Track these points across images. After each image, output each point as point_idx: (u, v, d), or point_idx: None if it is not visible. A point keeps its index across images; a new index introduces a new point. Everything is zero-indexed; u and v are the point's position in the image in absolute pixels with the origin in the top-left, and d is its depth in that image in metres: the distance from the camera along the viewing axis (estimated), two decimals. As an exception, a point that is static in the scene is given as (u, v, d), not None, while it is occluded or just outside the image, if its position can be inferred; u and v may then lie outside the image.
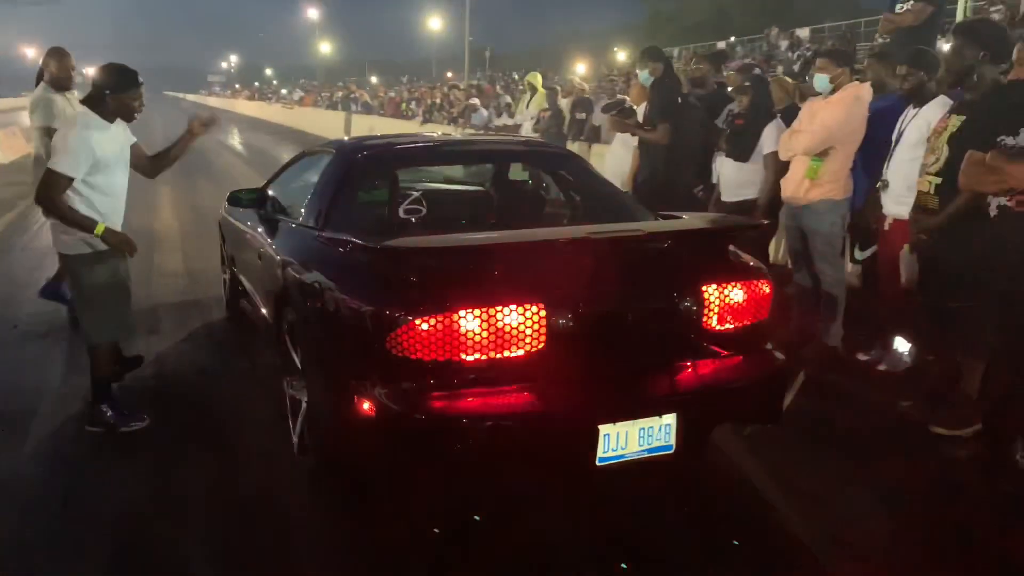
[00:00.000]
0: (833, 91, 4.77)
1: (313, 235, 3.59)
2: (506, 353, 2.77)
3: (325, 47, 64.60)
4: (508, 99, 15.36)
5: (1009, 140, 3.31)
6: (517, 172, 5.04)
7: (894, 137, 4.45)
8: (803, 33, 25.09)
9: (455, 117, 15.31)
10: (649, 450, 2.87)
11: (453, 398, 2.76)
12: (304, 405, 3.42)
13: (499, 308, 2.74)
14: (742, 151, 5.30)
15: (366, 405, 2.79)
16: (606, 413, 2.82)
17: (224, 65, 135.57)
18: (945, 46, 5.08)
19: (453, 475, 3.22)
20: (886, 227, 4.46)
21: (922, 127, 4.18)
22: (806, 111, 4.92)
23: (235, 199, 4.70)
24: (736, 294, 3.10)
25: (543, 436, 2.79)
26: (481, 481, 3.27)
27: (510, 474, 3.18)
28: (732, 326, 3.10)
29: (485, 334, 2.74)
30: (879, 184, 4.48)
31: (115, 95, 3.74)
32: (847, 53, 5.25)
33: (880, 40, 9.29)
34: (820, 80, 4.84)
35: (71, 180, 3.63)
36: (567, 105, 10.57)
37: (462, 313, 2.71)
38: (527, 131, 10.53)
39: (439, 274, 2.82)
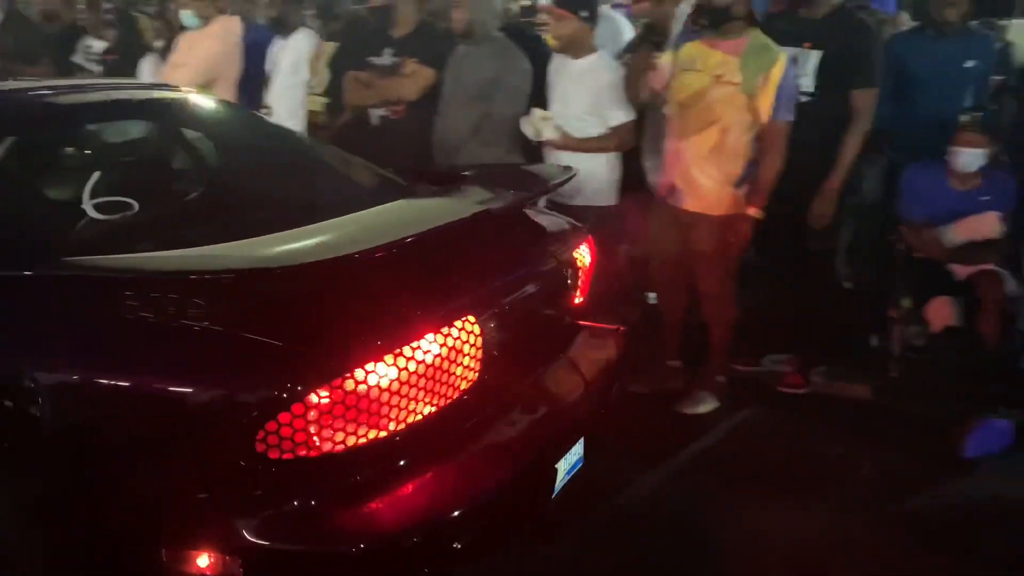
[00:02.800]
0: (203, 24, 4.98)
1: None
2: (439, 401, 1.90)
3: None
4: None
5: (376, 60, 4.02)
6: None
7: (269, 67, 4.89)
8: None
9: None
10: (569, 471, 2.28)
11: (391, 501, 1.78)
12: None
13: (425, 337, 1.84)
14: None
15: (203, 561, 1.70)
16: (560, 443, 2.21)
17: None
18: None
19: None
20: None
21: (292, 55, 4.70)
22: (183, 44, 5.01)
23: None
24: (587, 257, 2.61)
25: (509, 504, 2.02)
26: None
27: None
28: (586, 296, 2.63)
29: (413, 383, 1.82)
30: (264, 110, 4.88)
31: None
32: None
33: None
34: (187, 16, 4.99)
35: None
36: None
37: (381, 364, 1.75)
38: None
39: (315, 307, 1.80)
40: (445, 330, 1.89)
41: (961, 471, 3.09)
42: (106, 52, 5.31)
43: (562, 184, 2.65)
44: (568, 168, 2.81)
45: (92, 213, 2.31)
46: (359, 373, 1.71)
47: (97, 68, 5.35)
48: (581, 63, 3.61)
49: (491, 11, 3.77)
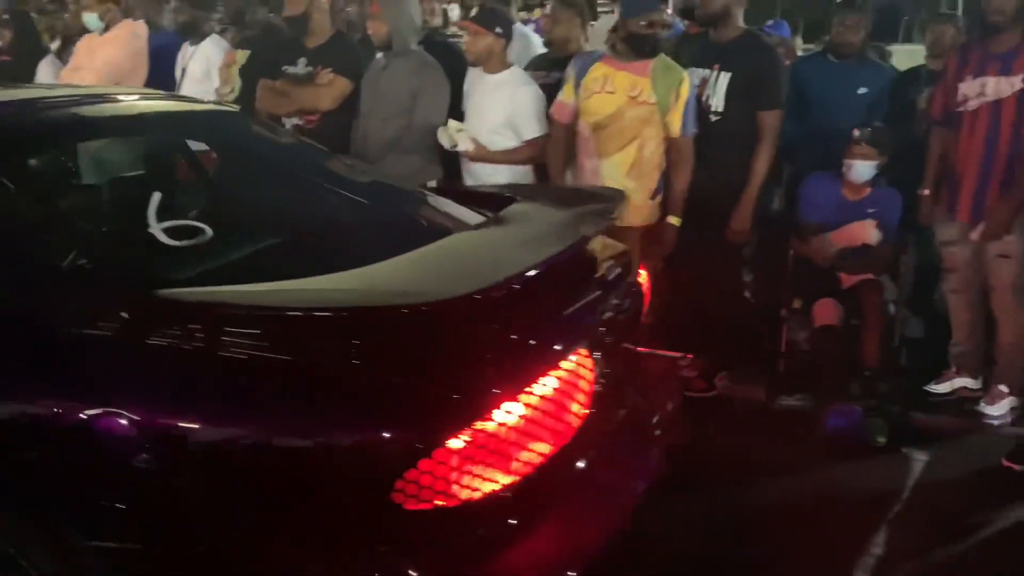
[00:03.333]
0: (107, 28, 4.85)
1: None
2: (558, 441, 1.78)
3: None
4: None
5: (291, 69, 4.00)
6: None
7: (178, 73, 4.80)
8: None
9: None
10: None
11: (527, 551, 1.67)
12: None
13: (549, 373, 1.75)
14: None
15: None
16: (656, 475, 2.17)
17: None
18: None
19: None
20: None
21: (203, 62, 4.62)
22: (83, 48, 4.88)
23: None
24: (646, 279, 2.52)
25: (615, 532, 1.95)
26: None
27: None
28: (645, 320, 2.53)
29: (540, 422, 1.71)
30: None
31: None
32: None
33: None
34: (90, 18, 4.86)
35: None
36: None
37: (515, 404, 1.64)
38: None
39: (447, 345, 1.65)
40: (564, 364, 1.80)
41: (831, 462, 3.29)
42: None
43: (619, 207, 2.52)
44: (618, 191, 2.68)
45: (163, 239, 2.05)
46: (496, 414, 1.60)
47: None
48: (496, 77, 3.69)
49: (409, 24, 3.81)
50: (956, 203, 3.60)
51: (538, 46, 4.84)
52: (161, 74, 4.82)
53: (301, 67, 3.98)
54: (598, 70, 3.46)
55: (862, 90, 4.02)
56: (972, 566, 2.75)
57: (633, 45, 3.42)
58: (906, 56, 5.84)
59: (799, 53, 5.49)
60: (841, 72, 4.04)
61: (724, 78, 3.65)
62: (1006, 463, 3.27)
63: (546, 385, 1.72)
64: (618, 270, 2.34)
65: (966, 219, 3.58)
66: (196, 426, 1.60)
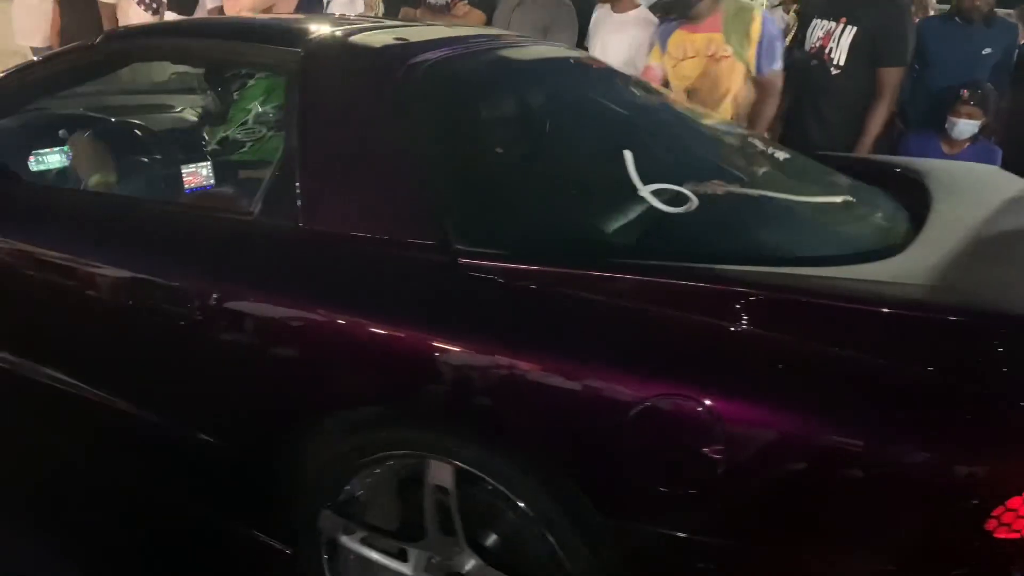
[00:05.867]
0: (264, -48, 5.22)
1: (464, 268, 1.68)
2: None
3: None
4: None
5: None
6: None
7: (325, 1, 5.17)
8: None
9: None
10: None
11: None
12: None
13: None
14: (184, 5, 5.41)
15: None
16: None
17: None
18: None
19: None
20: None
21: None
22: (244, -29, 5.27)
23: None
24: None
25: None
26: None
27: None
28: None
29: None
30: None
31: None
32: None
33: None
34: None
35: None
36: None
37: None
38: None
39: None
40: None
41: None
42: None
43: None
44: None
45: (656, 203, 1.85)
46: None
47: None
48: (622, 16, 3.89)
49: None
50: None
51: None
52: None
53: (441, -3, 4.28)
54: (677, 37, 3.50)
55: (987, 50, 4.00)
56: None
57: (667, 12, 3.51)
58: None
59: (931, 12, 5.38)
60: (965, 34, 4.02)
61: (849, 32, 3.67)
62: None
63: None
64: None
65: None
66: (781, 422, 1.48)
